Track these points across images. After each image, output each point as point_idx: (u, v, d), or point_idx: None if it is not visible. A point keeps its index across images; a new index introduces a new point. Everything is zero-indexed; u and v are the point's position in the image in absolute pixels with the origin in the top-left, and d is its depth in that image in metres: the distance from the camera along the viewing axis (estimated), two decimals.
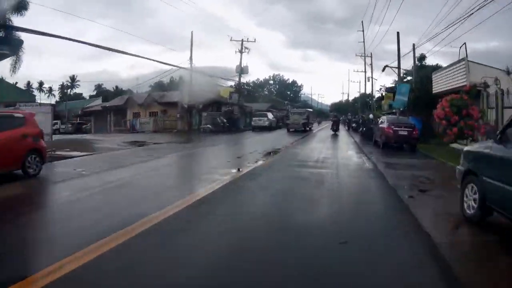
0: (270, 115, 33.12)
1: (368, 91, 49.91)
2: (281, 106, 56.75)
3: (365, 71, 51.30)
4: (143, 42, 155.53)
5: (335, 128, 29.36)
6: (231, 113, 33.74)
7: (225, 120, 28.72)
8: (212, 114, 29.75)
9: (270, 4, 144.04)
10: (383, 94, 48.99)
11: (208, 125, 27.77)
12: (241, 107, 35.87)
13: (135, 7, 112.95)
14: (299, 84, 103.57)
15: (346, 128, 38.52)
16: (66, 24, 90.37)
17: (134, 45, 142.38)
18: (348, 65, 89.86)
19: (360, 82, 63.78)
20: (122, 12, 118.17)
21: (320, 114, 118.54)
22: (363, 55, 47.36)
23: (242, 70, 35.99)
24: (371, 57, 46.85)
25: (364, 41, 47.77)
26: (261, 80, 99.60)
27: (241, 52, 35.67)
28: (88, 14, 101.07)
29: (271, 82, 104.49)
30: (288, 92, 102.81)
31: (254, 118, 32.20)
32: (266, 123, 31.22)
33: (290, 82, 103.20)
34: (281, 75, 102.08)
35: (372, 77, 49.58)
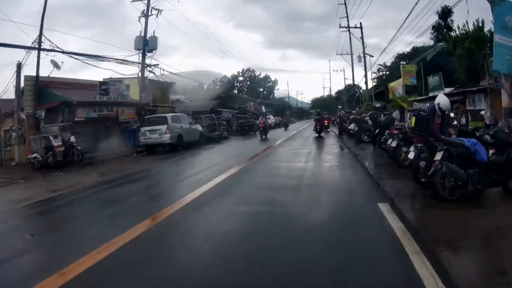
0: (183, 120, 18.07)
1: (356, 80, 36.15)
2: (243, 105, 41.92)
3: (351, 52, 37.77)
4: None
5: (318, 129, 21.55)
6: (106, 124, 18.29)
7: (71, 140, 13.11)
8: (49, 131, 13.53)
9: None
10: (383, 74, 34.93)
11: (36, 155, 12.51)
12: (145, 109, 20.44)
13: None
14: (272, 79, 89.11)
15: (336, 132, 24.09)
16: None
17: None
18: (327, 63, 76.55)
19: (344, 71, 49.90)
20: None
21: (301, 113, 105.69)
22: (343, 53, 35.87)
23: (146, 44, 20.96)
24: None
25: (347, 16, 34.58)
26: (228, 77, 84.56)
27: (146, 15, 20.77)
28: None
29: (241, 78, 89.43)
30: (261, 89, 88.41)
31: (143, 129, 16.72)
32: (165, 138, 15.97)
33: (262, 77, 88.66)
34: (251, 69, 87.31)
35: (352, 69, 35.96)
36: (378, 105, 16.93)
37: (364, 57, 35.31)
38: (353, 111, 22.40)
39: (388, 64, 35.28)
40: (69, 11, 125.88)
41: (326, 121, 27.07)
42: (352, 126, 17.62)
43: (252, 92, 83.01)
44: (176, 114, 18.29)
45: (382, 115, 15.52)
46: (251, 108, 43.02)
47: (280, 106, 79.76)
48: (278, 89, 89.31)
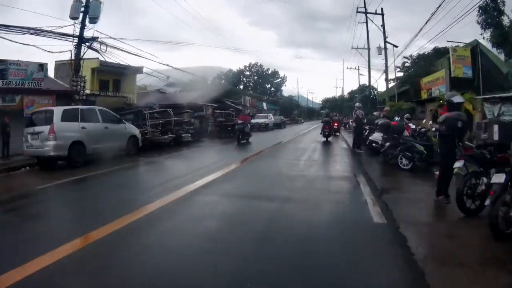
0: (92, 118, 11.26)
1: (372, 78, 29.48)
2: (237, 100, 35.41)
3: (368, 46, 31.21)
4: None
5: (327, 133, 18.10)
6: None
7: None
8: None
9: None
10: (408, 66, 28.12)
11: None
12: (75, 100, 14.19)
13: None
14: (281, 75, 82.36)
15: (348, 140, 17.67)
16: None
17: None
18: (340, 64, 69.37)
19: (359, 69, 42.97)
20: None
21: (311, 113, 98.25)
22: (359, 47, 30.30)
23: (86, 10, 14.82)
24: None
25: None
26: (234, 71, 78.16)
27: None
28: None
29: (247, 73, 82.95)
30: (268, 86, 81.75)
31: (25, 131, 10.22)
32: (47, 148, 9.50)
33: (270, 72, 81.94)
34: (259, 64, 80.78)
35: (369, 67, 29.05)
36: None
37: (385, 48, 28.61)
38: (378, 113, 15.80)
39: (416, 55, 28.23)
40: None
41: (336, 124, 22.88)
42: (377, 136, 11.09)
43: (259, 88, 76.83)
44: (77, 107, 11.41)
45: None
46: (247, 104, 36.58)
47: (288, 104, 73.05)
48: (286, 85, 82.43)
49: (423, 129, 10.20)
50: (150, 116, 16.36)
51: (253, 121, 32.49)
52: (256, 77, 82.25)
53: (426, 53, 27.05)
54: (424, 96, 19.96)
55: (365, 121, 14.34)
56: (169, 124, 17.09)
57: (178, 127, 17.73)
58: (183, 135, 17.51)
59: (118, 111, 14.66)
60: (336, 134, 22.94)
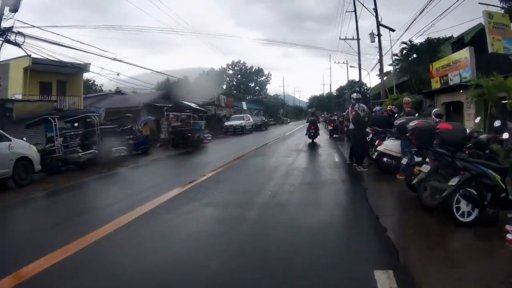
0: None
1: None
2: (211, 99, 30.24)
3: (357, 36, 26.83)
4: None
5: (312, 133, 16.46)
6: None
7: None
8: None
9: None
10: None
11: None
12: None
13: None
14: (266, 73, 77.67)
15: (342, 152, 12.84)
16: None
17: None
18: (328, 61, 65.12)
19: (347, 63, 38.44)
20: None
21: (298, 112, 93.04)
22: (347, 38, 26.08)
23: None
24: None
25: None
26: (216, 70, 73.20)
27: None
28: None
29: (230, 72, 78.15)
30: (252, 85, 76.91)
31: None
32: None
33: (254, 70, 77.25)
34: (242, 62, 76.25)
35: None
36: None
37: (379, 34, 24.13)
38: (379, 108, 11.01)
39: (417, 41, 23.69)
40: None
41: (332, 124, 20.18)
42: (392, 146, 6.52)
43: (242, 87, 71.98)
44: None
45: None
46: (221, 103, 31.44)
47: (273, 104, 68.29)
48: (270, 84, 78.00)
49: (482, 136, 5.51)
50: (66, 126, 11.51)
51: (227, 123, 27.66)
52: (239, 76, 77.57)
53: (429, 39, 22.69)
54: (435, 85, 15.38)
55: (366, 119, 9.43)
56: (92, 136, 12.09)
57: (108, 138, 12.75)
58: (113, 149, 12.50)
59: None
60: (335, 136, 19.21)
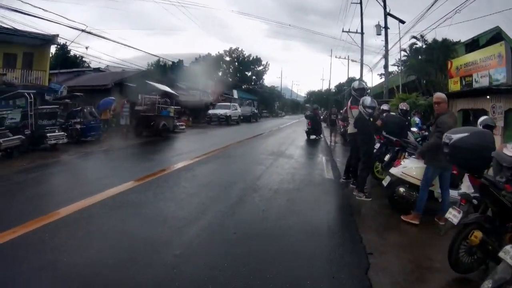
0: None
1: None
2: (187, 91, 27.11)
3: (362, 30, 24.09)
4: None
5: (311, 130, 15.94)
6: None
7: None
8: None
9: None
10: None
11: None
12: None
13: None
14: (264, 63, 74.42)
15: (337, 163, 10.19)
16: None
17: None
18: (328, 56, 62.08)
19: (349, 58, 35.70)
20: None
21: (295, 106, 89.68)
22: (351, 31, 23.73)
23: None
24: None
25: None
26: (213, 55, 69.85)
27: None
28: None
29: (227, 58, 74.92)
30: (249, 74, 73.70)
31: None
32: None
33: (251, 59, 74.01)
34: (240, 49, 73.08)
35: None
36: None
37: (386, 26, 21.55)
38: (405, 107, 8.15)
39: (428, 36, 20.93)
40: None
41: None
42: (414, 173, 3.92)
43: (238, 75, 68.80)
44: None
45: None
46: (209, 90, 28.40)
47: (269, 95, 65.30)
48: (267, 74, 74.82)
49: None
50: None
51: (210, 111, 24.82)
52: (236, 64, 74.33)
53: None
54: (454, 86, 12.75)
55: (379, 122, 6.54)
56: (24, 118, 9.52)
57: (46, 122, 10.17)
58: (49, 135, 9.81)
59: None
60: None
